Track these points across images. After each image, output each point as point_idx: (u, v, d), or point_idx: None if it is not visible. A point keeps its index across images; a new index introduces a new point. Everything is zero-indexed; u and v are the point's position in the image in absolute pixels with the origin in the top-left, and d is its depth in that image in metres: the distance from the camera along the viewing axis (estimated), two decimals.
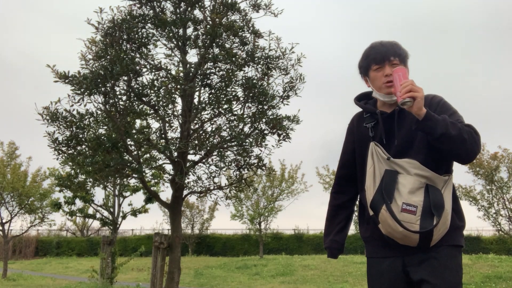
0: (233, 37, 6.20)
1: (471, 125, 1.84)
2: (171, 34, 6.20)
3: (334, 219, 2.18)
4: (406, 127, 1.93)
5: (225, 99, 6.24)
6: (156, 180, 12.51)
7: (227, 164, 6.38)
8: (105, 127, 6.18)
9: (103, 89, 5.81)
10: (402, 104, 1.77)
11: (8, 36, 48.91)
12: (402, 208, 1.80)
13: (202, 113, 6.37)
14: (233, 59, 6.08)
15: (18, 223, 60.76)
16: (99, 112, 6.04)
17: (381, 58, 1.99)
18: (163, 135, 6.44)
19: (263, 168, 6.55)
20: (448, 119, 1.78)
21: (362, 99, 2.15)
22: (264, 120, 6.29)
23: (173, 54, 6.38)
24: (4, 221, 14.87)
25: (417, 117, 1.78)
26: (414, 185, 1.82)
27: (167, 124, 6.48)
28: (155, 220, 60.23)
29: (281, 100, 6.41)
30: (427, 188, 1.82)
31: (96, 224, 28.65)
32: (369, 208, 1.92)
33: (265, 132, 6.35)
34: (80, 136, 5.94)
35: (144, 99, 6.12)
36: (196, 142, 6.24)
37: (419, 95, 1.74)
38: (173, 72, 6.25)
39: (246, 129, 6.29)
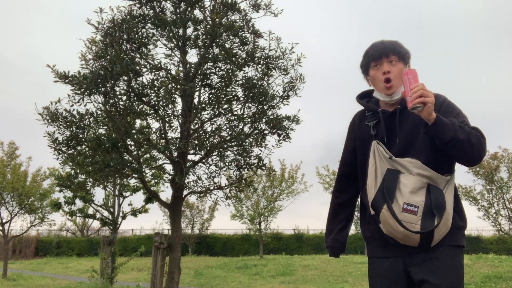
0: (233, 37, 6.19)
1: (477, 128, 1.83)
2: (171, 34, 6.19)
3: (335, 218, 2.18)
4: (408, 126, 1.93)
5: (225, 99, 6.23)
6: (156, 180, 12.51)
7: (227, 164, 6.38)
8: (105, 127, 6.18)
9: (103, 89, 5.80)
10: (412, 109, 1.74)
11: (9, 36, 48.92)
12: (403, 208, 1.79)
13: (202, 113, 6.37)
14: (233, 59, 6.07)
15: (18, 223, 60.80)
16: (99, 112, 6.04)
17: (378, 55, 2.00)
18: (163, 135, 6.44)
19: (263, 168, 6.54)
20: (457, 123, 1.77)
21: (364, 97, 2.15)
22: (264, 120, 6.29)
23: (173, 54, 6.38)
24: (4, 221, 14.87)
25: (426, 121, 1.75)
26: (416, 185, 1.81)
27: (167, 124, 6.48)
28: (155, 220, 60.32)
29: (281, 100, 6.41)
30: (428, 188, 1.81)
31: (96, 224, 28.69)
32: (370, 207, 1.91)
33: (265, 132, 6.34)
34: (80, 136, 5.94)
35: (144, 99, 6.12)
36: (196, 142, 6.24)
37: (430, 100, 1.70)
38: (173, 72, 6.25)
39: (246, 129, 6.28)
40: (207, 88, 6.40)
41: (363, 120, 2.08)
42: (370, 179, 1.92)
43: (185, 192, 6.67)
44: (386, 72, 1.97)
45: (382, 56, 1.99)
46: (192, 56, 6.52)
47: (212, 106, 6.24)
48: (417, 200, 1.79)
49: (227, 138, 6.18)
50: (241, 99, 6.32)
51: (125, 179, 8.31)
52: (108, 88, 5.84)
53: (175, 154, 6.25)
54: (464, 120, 1.85)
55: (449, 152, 1.80)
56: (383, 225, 1.86)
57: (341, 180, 2.20)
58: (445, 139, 1.74)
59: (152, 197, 11.01)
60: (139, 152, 6.52)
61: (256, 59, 6.24)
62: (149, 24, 6.22)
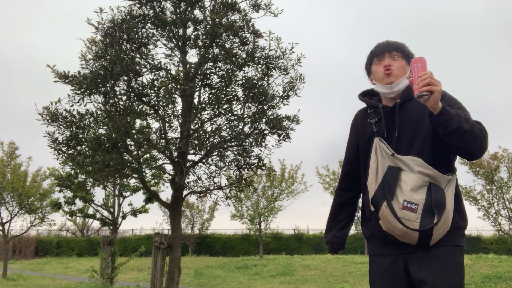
0: (233, 37, 6.19)
1: (480, 122, 1.83)
2: (171, 34, 6.20)
3: (337, 216, 2.18)
4: (409, 121, 1.92)
5: (225, 99, 6.24)
6: (156, 180, 12.50)
7: (227, 164, 6.38)
8: (105, 127, 6.18)
9: (103, 89, 5.80)
10: (419, 97, 1.71)
11: (9, 35, 48.95)
12: (403, 206, 1.79)
13: (202, 113, 6.37)
14: (233, 59, 6.07)
15: (18, 223, 60.76)
16: (99, 112, 6.04)
17: (381, 51, 2.02)
18: (163, 135, 6.44)
19: (263, 168, 6.54)
20: (462, 114, 1.76)
21: (367, 95, 2.15)
22: (264, 120, 6.29)
23: (173, 54, 6.38)
24: (4, 221, 14.86)
25: (432, 111, 1.73)
26: (417, 183, 1.81)
27: (167, 124, 6.48)
28: (155, 220, 60.23)
29: (281, 100, 6.41)
30: (429, 187, 1.81)
31: (96, 224, 28.68)
32: (370, 204, 1.91)
33: (265, 132, 6.34)
34: (80, 136, 5.94)
35: (144, 99, 6.12)
36: (196, 142, 6.24)
37: (437, 89, 1.69)
38: (173, 72, 6.25)
39: (246, 129, 6.28)
40: (207, 88, 6.40)
41: (365, 118, 2.08)
42: (371, 176, 1.92)
43: (185, 192, 6.67)
44: (387, 65, 1.97)
45: (385, 51, 2.00)
46: (192, 56, 6.52)
47: (212, 106, 6.24)
48: (417, 198, 1.79)
49: (227, 138, 6.18)
50: (241, 99, 6.32)
51: (125, 179, 8.30)
52: (108, 88, 5.84)
53: (175, 154, 6.25)
54: (466, 114, 1.84)
55: (452, 142, 1.79)
56: (382, 221, 1.86)
57: (345, 178, 2.19)
58: (450, 128, 1.73)
59: (152, 197, 11.01)
60: (139, 152, 6.52)
61: (256, 59, 6.24)
62: (149, 24, 6.22)
